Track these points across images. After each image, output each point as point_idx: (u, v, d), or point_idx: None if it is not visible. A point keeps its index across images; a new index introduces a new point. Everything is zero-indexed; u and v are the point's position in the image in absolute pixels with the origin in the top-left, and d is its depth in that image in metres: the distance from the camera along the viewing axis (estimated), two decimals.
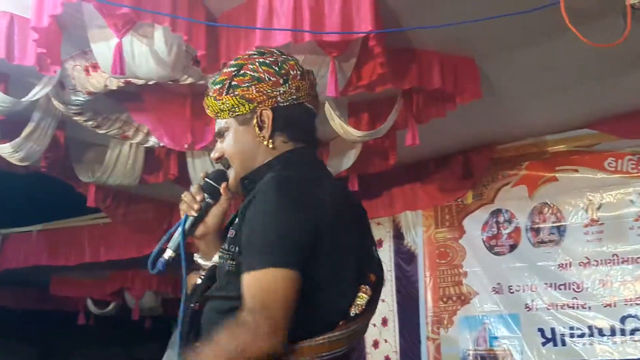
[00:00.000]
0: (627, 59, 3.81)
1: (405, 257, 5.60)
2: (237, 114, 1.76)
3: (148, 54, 3.17)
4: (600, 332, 4.61)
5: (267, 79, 1.74)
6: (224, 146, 1.81)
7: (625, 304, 4.56)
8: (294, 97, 1.76)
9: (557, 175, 4.93)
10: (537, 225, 4.97)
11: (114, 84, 3.57)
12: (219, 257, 1.77)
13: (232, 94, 1.75)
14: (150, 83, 3.57)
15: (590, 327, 4.65)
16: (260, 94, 1.74)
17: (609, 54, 3.62)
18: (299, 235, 1.61)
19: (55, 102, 3.86)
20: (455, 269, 5.28)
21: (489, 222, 5.20)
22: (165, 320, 9.73)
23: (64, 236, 7.05)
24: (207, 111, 1.82)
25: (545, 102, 4.43)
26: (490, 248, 5.16)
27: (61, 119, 4.14)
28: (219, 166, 1.87)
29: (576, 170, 4.86)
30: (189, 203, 1.83)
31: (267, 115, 1.74)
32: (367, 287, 1.74)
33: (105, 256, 6.67)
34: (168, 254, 1.82)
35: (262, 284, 1.56)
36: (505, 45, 3.71)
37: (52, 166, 4.62)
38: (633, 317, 4.53)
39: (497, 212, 5.18)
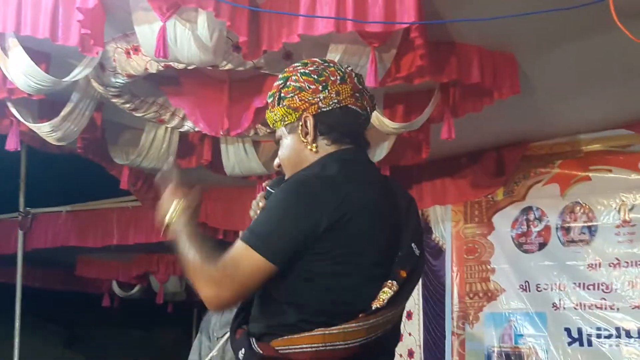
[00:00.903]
0: None
1: (433, 252, 5.59)
2: (286, 122, 1.92)
3: (190, 38, 3.19)
4: (628, 334, 4.58)
5: (307, 87, 1.88)
6: (279, 154, 1.97)
7: None
8: (335, 100, 1.88)
9: (590, 174, 4.89)
10: (567, 224, 4.94)
11: (154, 67, 3.60)
12: None
13: (281, 105, 1.91)
14: (189, 68, 3.58)
15: (617, 329, 4.62)
16: (303, 102, 1.88)
17: None
18: (289, 233, 1.74)
19: (95, 84, 3.90)
20: (482, 265, 5.27)
21: (519, 219, 5.18)
22: (187, 306, 9.82)
23: (93, 218, 7.12)
24: (269, 125, 1.99)
25: (582, 101, 4.40)
26: (519, 245, 5.14)
27: (99, 101, 4.17)
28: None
29: (610, 171, 4.82)
30: (255, 210, 2.00)
31: (309, 121, 1.88)
32: (394, 282, 1.83)
33: (134, 239, 6.73)
34: None
35: (242, 257, 1.73)
36: (545, 42, 3.68)
37: (87, 147, 4.66)
38: None
39: (527, 210, 5.15)
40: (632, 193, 4.71)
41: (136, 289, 9.10)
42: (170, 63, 3.50)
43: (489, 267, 5.24)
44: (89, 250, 7.50)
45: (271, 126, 1.98)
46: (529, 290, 5.00)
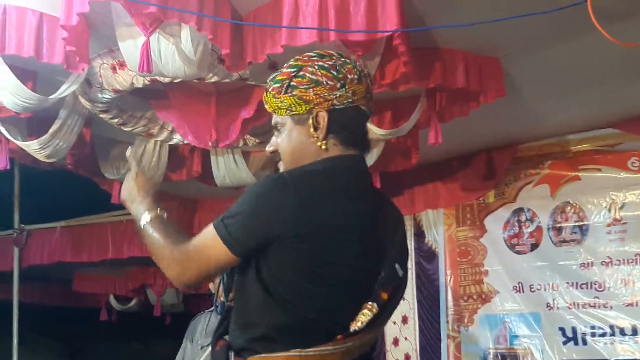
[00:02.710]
0: None
1: (426, 256, 5.61)
2: (293, 112, 1.83)
3: (175, 52, 3.21)
4: (622, 332, 4.60)
5: (325, 82, 1.81)
6: (279, 141, 1.89)
7: None
8: (350, 100, 1.83)
9: (579, 174, 4.92)
10: (559, 225, 4.97)
11: (140, 82, 3.61)
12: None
13: (290, 94, 1.82)
14: (175, 81, 3.60)
15: (611, 327, 4.64)
16: (318, 97, 1.81)
17: (634, 54, 3.61)
18: (255, 228, 1.71)
19: (82, 100, 3.91)
20: (476, 267, 5.29)
21: (511, 221, 5.20)
22: (185, 317, 9.80)
23: (88, 233, 7.12)
24: (266, 106, 1.91)
25: (569, 102, 4.42)
26: (511, 247, 5.16)
27: (87, 117, 4.18)
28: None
29: (599, 170, 4.84)
30: None
31: (323, 117, 1.82)
32: (375, 304, 1.77)
33: (128, 253, 6.73)
34: (223, 297, 1.99)
35: (207, 241, 1.77)
36: (530, 45, 3.70)
37: (77, 163, 4.67)
38: None
39: (518, 211, 5.18)
40: (621, 191, 4.73)
41: (133, 302, 9.09)
42: (156, 77, 3.51)
43: (482, 269, 5.26)
44: (85, 265, 7.50)
45: (270, 110, 1.90)
46: (523, 291, 5.02)
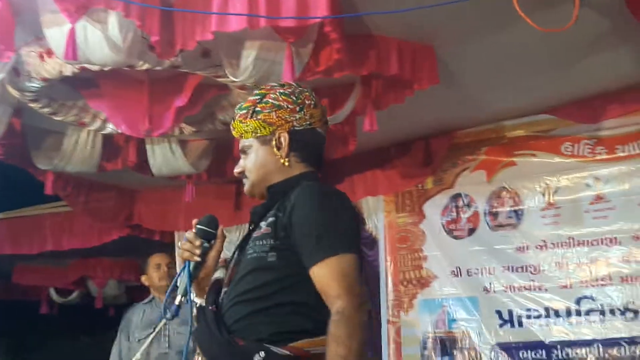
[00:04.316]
0: (581, 46, 3.86)
1: (368, 242, 5.64)
2: (258, 135, 2.10)
3: (102, 39, 3.14)
4: (557, 314, 4.69)
5: (285, 106, 2.09)
6: (247, 163, 2.15)
7: (581, 286, 4.63)
8: (308, 122, 2.11)
9: (515, 159, 4.98)
10: (495, 209, 5.03)
11: (69, 70, 3.54)
12: (250, 252, 2.01)
13: (255, 118, 2.10)
14: (106, 69, 3.53)
15: (546, 309, 4.72)
16: (279, 119, 2.09)
17: (563, 41, 3.68)
18: (349, 225, 1.95)
19: (11, 89, 3.81)
20: (415, 253, 5.32)
21: (449, 206, 5.25)
22: (129, 308, 9.68)
23: (26, 225, 6.96)
24: (233, 132, 2.18)
25: (504, 88, 4.48)
26: (449, 232, 5.22)
27: (17, 106, 4.09)
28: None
29: (534, 155, 4.92)
30: (190, 250, 2.09)
31: (284, 137, 2.08)
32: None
33: (68, 245, 6.61)
34: (178, 299, 2.06)
35: (338, 270, 1.84)
36: (463, 32, 3.73)
37: (9, 154, 4.56)
38: (588, 298, 4.61)
39: (456, 197, 5.23)
40: (555, 176, 4.81)
41: (74, 294, 8.95)
42: (85, 65, 3.44)
43: (421, 254, 5.30)
44: (27, 257, 7.36)
45: (237, 135, 2.16)
46: (461, 276, 5.08)
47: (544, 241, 4.80)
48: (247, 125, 2.11)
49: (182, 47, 3.21)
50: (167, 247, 6.26)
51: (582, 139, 4.75)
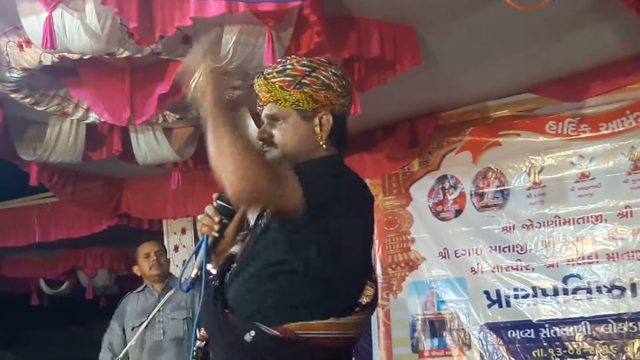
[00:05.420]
0: (563, 23, 3.87)
1: None
2: (299, 108, 1.97)
3: (80, 27, 3.13)
4: (544, 293, 4.72)
5: (335, 88, 1.99)
6: (279, 132, 2.00)
7: (567, 264, 4.66)
8: (345, 109, 2.05)
9: (500, 140, 5.00)
10: (481, 190, 5.05)
11: (49, 59, 3.51)
12: (260, 224, 2.01)
13: (300, 90, 1.96)
14: (86, 57, 3.51)
15: (534, 288, 4.76)
16: (326, 99, 1.98)
17: (544, 18, 3.67)
18: (322, 190, 1.86)
19: None
20: (403, 235, 5.33)
21: (435, 188, 5.25)
22: (120, 298, 9.68)
23: (14, 216, 6.93)
24: (264, 94, 2.02)
25: (487, 68, 4.48)
26: (436, 214, 5.23)
27: None
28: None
29: (518, 135, 4.93)
30: (209, 225, 2.02)
31: (328, 119, 1.98)
32: (373, 284, 1.99)
33: (55, 235, 6.59)
34: (194, 273, 2.04)
35: (289, 177, 1.83)
36: (444, 12, 3.73)
37: None
38: (575, 276, 4.64)
39: (442, 179, 5.23)
40: (540, 155, 4.83)
41: (64, 285, 8.93)
42: (64, 54, 3.42)
43: (409, 237, 5.31)
44: (15, 249, 7.33)
45: (270, 98, 2.00)
46: (448, 257, 5.10)
47: (530, 220, 4.82)
48: (289, 94, 1.96)
49: (161, 33, 3.20)
50: (156, 235, 6.27)
51: (566, 117, 4.76)
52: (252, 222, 2.15)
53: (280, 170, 1.87)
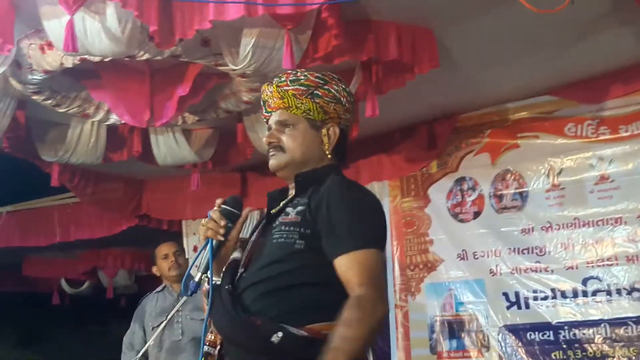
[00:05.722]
0: (581, 26, 3.85)
1: None
2: (309, 117, 2.10)
3: (100, 30, 3.17)
4: (563, 295, 4.69)
5: (344, 103, 2.14)
6: (287, 138, 2.11)
7: (587, 266, 4.64)
8: (349, 123, 2.21)
9: (518, 142, 4.98)
10: (500, 192, 5.03)
11: (70, 61, 3.56)
12: (277, 237, 2.02)
13: (312, 100, 2.10)
14: (106, 60, 3.55)
15: (553, 290, 4.73)
16: (335, 112, 2.12)
17: (564, 20, 3.65)
18: (379, 222, 2.01)
19: (13, 82, 3.84)
20: (421, 237, 5.33)
21: (453, 190, 5.25)
22: (140, 297, 9.74)
23: (35, 217, 7.00)
24: (275, 100, 2.14)
25: (505, 70, 4.47)
26: (454, 215, 5.22)
27: (21, 99, 4.11)
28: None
29: (537, 137, 4.91)
30: (214, 229, 2.08)
31: (335, 131, 2.12)
32: None
33: (75, 236, 6.65)
34: (198, 277, 2.07)
35: (365, 263, 1.88)
36: (462, 14, 3.73)
37: (14, 146, 4.59)
38: (594, 278, 4.61)
39: (461, 180, 5.23)
40: (559, 157, 4.80)
41: (85, 285, 9.01)
42: (85, 56, 3.46)
43: (427, 238, 5.30)
44: (35, 249, 7.41)
45: (281, 104, 2.12)
46: (467, 259, 5.08)
47: (549, 222, 4.80)
48: (301, 102, 2.10)
49: (181, 36, 3.23)
50: (176, 236, 6.31)
51: (585, 119, 4.74)
52: (248, 229, 2.22)
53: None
